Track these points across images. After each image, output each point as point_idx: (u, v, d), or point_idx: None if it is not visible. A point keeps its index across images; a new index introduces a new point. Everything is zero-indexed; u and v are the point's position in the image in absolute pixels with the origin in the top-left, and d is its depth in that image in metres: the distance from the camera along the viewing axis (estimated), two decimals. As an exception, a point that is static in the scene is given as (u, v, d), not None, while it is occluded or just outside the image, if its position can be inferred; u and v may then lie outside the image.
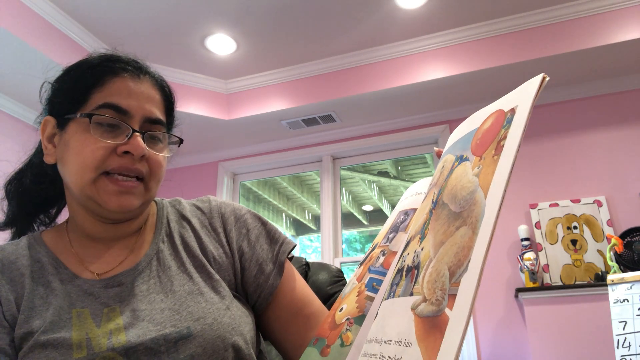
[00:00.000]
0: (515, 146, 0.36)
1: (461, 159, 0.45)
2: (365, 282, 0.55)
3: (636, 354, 1.62)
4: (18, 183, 0.81)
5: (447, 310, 0.34)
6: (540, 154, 3.08)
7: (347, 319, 0.53)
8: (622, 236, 2.58)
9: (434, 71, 3.03)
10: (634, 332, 1.65)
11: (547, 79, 0.38)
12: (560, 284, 2.71)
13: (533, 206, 2.95)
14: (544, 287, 2.64)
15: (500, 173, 0.36)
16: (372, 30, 3.00)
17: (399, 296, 0.42)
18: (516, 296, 2.78)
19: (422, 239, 0.44)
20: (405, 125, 3.49)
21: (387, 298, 0.45)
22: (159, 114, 0.74)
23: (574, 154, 3.02)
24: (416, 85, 3.07)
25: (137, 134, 0.69)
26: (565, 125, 3.10)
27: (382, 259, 0.56)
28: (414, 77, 3.07)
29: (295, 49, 3.16)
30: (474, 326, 2.88)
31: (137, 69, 0.74)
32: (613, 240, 2.44)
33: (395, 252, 0.55)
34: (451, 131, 2.81)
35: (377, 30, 3.00)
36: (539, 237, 2.86)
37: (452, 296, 0.34)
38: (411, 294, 0.40)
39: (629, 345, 1.64)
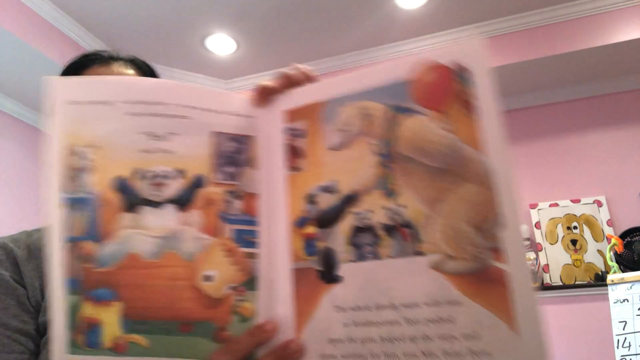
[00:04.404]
0: (495, 108, 0.40)
1: (404, 110, 0.42)
2: (232, 236, 0.44)
3: (636, 354, 1.62)
4: None
5: (498, 264, 0.35)
6: (540, 153, 3.08)
7: (232, 287, 0.43)
8: (622, 236, 2.58)
9: (434, 71, 3.02)
10: (634, 332, 1.65)
11: (485, 40, 0.41)
12: (560, 284, 2.70)
13: (533, 206, 2.95)
14: (544, 287, 2.64)
15: (493, 132, 0.39)
16: (372, 30, 3.00)
17: (391, 256, 0.40)
18: (516, 296, 2.77)
19: (391, 194, 0.41)
20: (405, 125, 3.49)
21: (359, 260, 0.41)
22: None
23: (574, 154, 3.02)
24: (416, 85, 3.07)
25: None
26: (565, 125, 3.09)
27: (237, 202, 0.45)
28: (414, 77, 3.06)
29: (295, 49, 3.15)
30: (474, 326, 2.87)
31: (107, 58, 0.76)
32: (613, 240, 2.44)
33: (255, 194, 0.45)
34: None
35: (377, 30, 3.00)
36: (539, 237, 2.86)
37: (495, 250, 0.35)
38: (417, 253, 0.39)
39: (629, 345, 1.64)
